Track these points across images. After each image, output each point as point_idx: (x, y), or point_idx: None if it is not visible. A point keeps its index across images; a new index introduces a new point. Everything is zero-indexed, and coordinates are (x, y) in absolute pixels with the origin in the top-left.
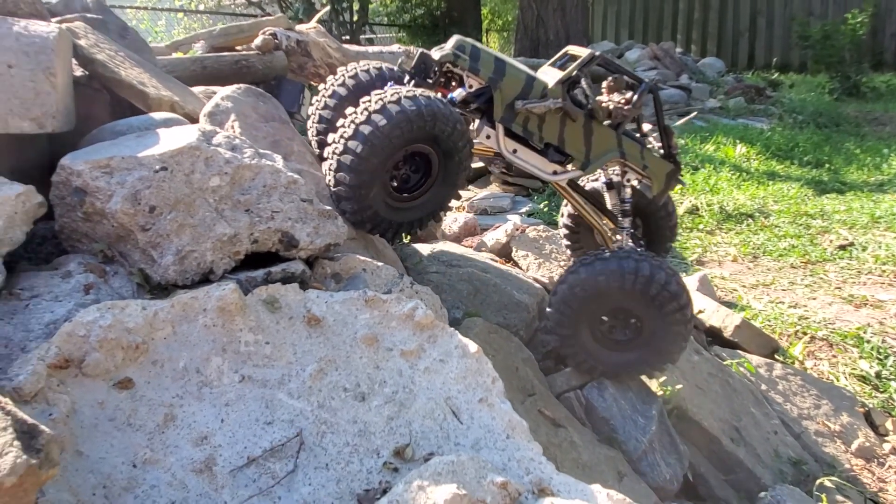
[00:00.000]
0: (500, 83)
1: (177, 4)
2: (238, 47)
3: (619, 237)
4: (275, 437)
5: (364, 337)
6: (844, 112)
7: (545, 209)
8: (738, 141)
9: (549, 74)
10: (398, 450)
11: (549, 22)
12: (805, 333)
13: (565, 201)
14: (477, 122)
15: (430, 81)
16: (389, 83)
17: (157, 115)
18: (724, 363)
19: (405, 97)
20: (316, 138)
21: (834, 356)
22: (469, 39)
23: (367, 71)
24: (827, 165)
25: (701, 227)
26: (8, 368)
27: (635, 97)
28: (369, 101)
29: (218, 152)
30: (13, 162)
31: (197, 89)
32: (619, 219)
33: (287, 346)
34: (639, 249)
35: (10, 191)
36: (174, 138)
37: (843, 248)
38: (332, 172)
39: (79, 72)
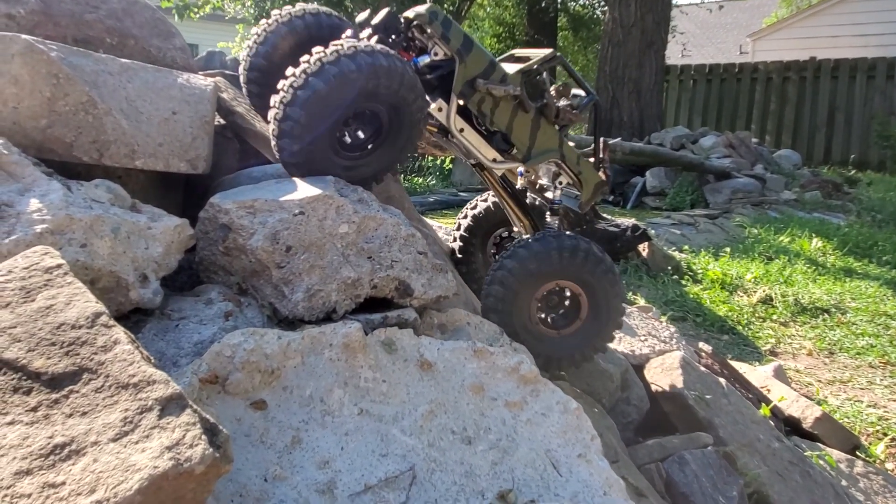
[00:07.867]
0: (466, 57)
1: None
2: None
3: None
4: (389, 469)
5: (471, 385)
6: None
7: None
8: (813, 235)
9: (505, 65)
10: (502, 493)
11: (624, 104)
12: (885, 434)
13: (454, 230)
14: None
15: (392, 41)
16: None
17: None
18: (805, 454)
19: (344, 55)
20: (247, 87)
21: None
22: (441, 10)
23: (311, 15)
24: None
25: (774, 317)
26: None
27: (583, 105)
28: (309, 60)
29: (347, 202)
30: (160, 196)
31: None
32: (549, 217)
33: (401, 386)
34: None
35: (170, 222)
36: (310, 186)
37: None
38: (275, 139)
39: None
